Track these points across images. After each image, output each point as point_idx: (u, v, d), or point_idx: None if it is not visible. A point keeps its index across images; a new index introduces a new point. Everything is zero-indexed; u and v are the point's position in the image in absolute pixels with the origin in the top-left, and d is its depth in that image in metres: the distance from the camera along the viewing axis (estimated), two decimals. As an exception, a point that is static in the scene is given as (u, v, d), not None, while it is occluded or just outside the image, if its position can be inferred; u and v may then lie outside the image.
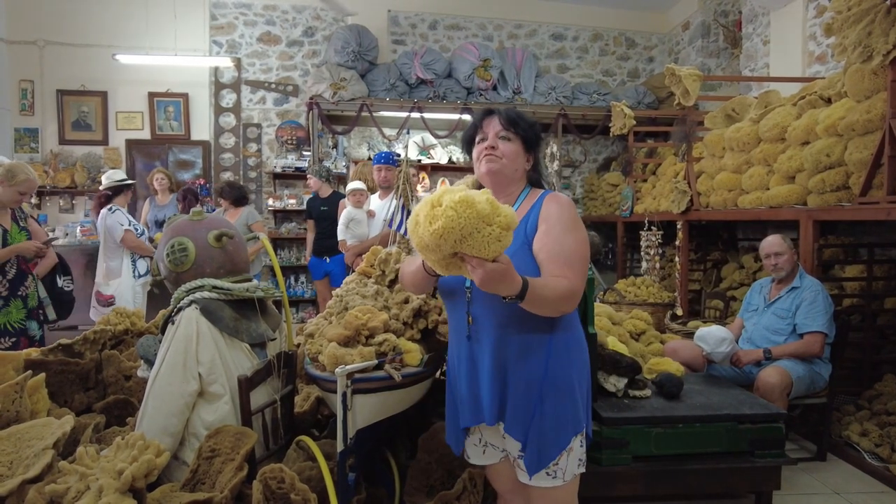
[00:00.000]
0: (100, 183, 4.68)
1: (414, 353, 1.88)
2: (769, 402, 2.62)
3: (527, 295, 1.30)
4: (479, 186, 1.64)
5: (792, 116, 3.61)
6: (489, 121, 1.63)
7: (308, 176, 5.44)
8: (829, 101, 3.45)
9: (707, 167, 4.51)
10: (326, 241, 5.07)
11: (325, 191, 5.19)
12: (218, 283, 1.99)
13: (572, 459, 1.51)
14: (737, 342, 3.21)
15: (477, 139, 1.64)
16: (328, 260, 5.09)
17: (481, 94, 6.72)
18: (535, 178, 1.68)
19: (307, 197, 5.90)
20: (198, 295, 1.94)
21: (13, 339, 3.15)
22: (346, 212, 4.39)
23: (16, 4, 6.27)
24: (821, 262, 3.41)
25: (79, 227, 5.95)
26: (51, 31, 6.37)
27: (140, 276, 4.40)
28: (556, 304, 1.40)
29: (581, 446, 1.54)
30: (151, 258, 4.33)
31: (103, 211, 4.33)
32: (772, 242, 3.18)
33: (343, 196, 5.06)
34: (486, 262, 1.20)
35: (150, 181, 5.48)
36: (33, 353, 2.47)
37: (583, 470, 1.56)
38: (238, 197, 5.08)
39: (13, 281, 3.16)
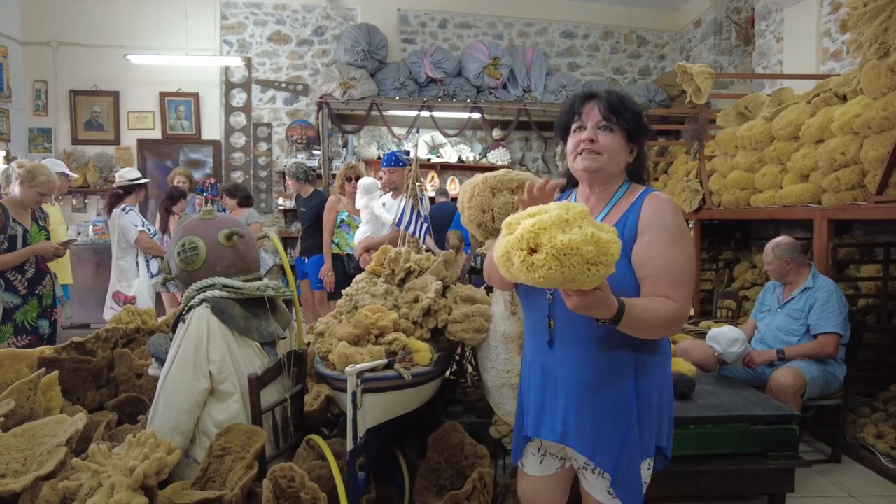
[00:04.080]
0: (112, 182, 4.72)
1: (424, 353, 1.87)
2: (782, 404, 2.59)
3: (623, 319, 1.19)
4: (570, 179, 1.52)
5: (806, 114, 3.57)
6: (589, 107, 1.41)
7: (286, 177, 5.36)
8: (844, 98, 3.40)
9: (719, 166, 4.46)
10: (305, 242, 5.02)
11: (306, 190, 5.03)
12: (228, 281, 2.00)
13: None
14: (749, 343, 3.18)
15: (573, 127, 1.43)
16: (307, 261, 5.00)
17: (491, 93, 6.70)
18: (636, 172, 1.50)
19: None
20: (208, 294, 1.94)
21: (28, 338, 3.19)
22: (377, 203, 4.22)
23: (30, 6, 6.34)
24: (835, 262, 3.36)
25: (91, 227, 6.01)
26: (64, 33, 6.43)
27: (153, 275, 4.43)
28: (658, 329, 1.28)
29: (648, 469, 1.41)
30: (163, 258, 4.35)
31: (116, 210, 4.36)
32: (764, 250, 3.25)
33: (324, 193, 5.02)
34: (584, 292, 1.11)
35: (170, 182, 5.50)
36: (47, 350, 2.49)
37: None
38: (245, 197, 5.13)
39: (32, 280, 3.21)
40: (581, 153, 1.40)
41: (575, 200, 1.49)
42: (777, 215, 3.75)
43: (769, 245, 3.21)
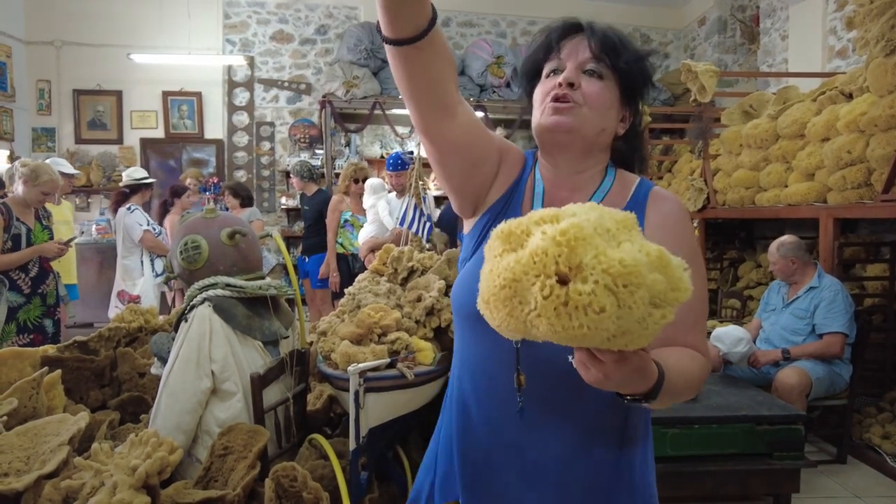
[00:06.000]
0: (115, 181, 4.73)
1: (426, 352, 1.86)
2: (788, 404, 2.58)
3: (661, 393, 0.72)
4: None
5: (811, 112, 3.55)
6: (575, 42, 0.94)
7: (291, 176, 5.35)
8: (850, 96, 3.38)
9: (724, 164, 4.44)
10: (306, 241, 5.02)
11: (310, 189, 5.03)
12: (231, 280, 1.99)
13: None
14: (754, 342, 3.16)
15: (547, 70, 0.95)
16: (307, 259, 4.98)
17: (494, 92, 6.69)
18: (623, 153, 1.01)
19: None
20: (211, 293, 1.94)
21: (31, 336, 3.20)
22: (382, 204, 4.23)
23: (33, 6, 6.35)
24: (841, 261, 3.35)
25: (94, 226, 6.02)
26: (67, 32, 6.44)
27: (158, 275, 4.44)
28: (686, 397, 0.82)
29: None
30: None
31: (121, 210, 4.37)
32: (769, 249, 3.25)
33: (328, 193, 5.01)
34: (626, 354, 0.64)
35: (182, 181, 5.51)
36: (50, 349, 2.49)
37: None
38: (247, 197, 5.15)
39: (35, 279, 3.23)
40: (550, 104, 0.91)
41: (537, 178, 1.00)
42: (782, 214, 3.73)
43: (774, 244, 3.20)
